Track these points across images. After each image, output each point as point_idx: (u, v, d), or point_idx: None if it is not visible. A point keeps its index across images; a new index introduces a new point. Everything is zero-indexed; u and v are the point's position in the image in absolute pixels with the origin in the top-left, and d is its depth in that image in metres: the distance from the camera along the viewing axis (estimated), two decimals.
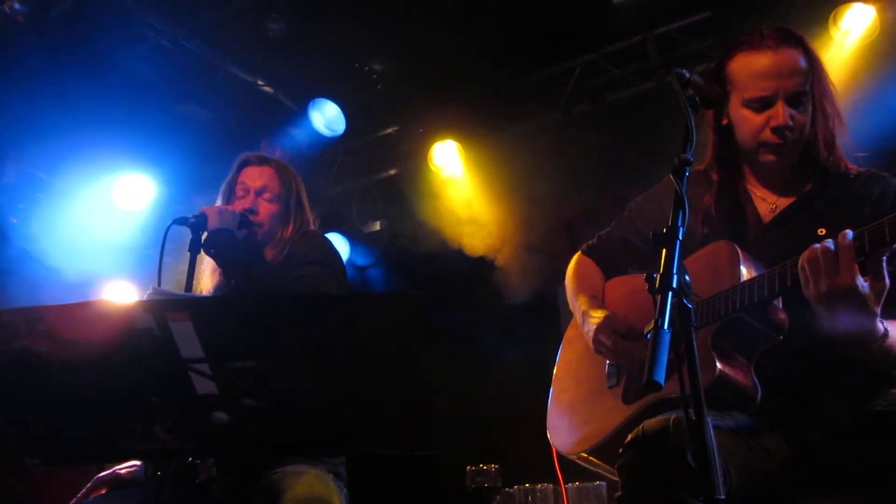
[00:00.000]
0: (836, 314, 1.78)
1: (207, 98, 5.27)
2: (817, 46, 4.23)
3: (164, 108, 5.21)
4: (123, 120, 5.02)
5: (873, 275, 1.75)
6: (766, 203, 2.15)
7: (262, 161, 2.91)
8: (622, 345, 2.17)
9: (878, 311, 1.77)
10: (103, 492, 2.36)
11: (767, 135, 2.05)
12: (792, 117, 2.02)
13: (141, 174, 5.48)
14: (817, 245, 1.78)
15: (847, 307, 1.76)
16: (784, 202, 2.13)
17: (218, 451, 1.93)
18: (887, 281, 1.75)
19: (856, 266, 1.74)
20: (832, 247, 1.76)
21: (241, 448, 1.89)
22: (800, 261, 1.81)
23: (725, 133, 2.16)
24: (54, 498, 2.27)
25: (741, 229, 2.13)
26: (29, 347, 1.65)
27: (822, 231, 2.01)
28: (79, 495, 2.42)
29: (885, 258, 1.75)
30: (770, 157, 2.08)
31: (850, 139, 2.18)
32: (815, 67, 2.08)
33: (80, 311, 1.68)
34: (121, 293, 5.58)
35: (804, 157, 2.14)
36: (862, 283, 1.74)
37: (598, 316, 2.25)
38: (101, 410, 1.73)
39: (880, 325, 1.78)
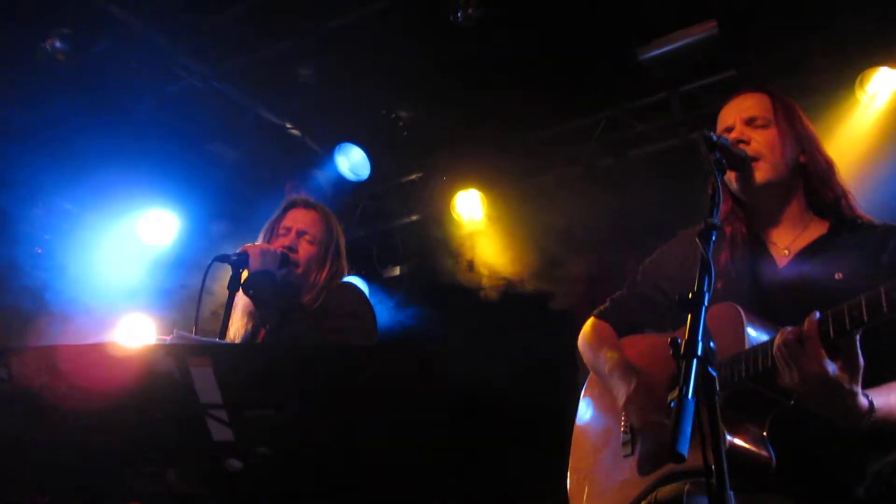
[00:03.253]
0: (814, 399, 1.78)
1: (236, 139, 5.36)
2: (843, 109, 4.29)
3: (193, 148, 5.29)
4: (152, 156, 5.11)
5: (845, 356, 1.74)
6: (780, 248, 2.16)
7: (309, 205, 2.98)
8: (649, 420, 2.14)
9: (858, 389, 1.75)
10: None
11: None
12: (750, 132, 2.17)
13: (166, 210, 5.55)
14: (788, 330, 1.78)
15: (821, 392, 1.75)
16: (798, 246, 2.13)
17: (230, 499, 1.91)
18: (861, 360, 1.74)
19: (822, 352, 1.73)
20: (793, 335, 1.77)
21: (252, 496, 1.88)
22: (773, 348, 1.81)
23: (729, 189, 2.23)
24: None
25: (757, 279, 2.12)
26: (49, 385, 1.65)
27: (839, 276, 2.00)
28: None
29: (858, 337, 1.74)
30: (751, 174, 2.12)
31: (860, 194, 2.23)
32: (782, 106, 2.24)
33: (102, 352, 1.69)
34: (140, 327, 5.60)
35: (812, 201, 2.18)
36: (832, 369, 1.73)
37: (626, 386, 2.22)
38: (115, 452, 1.72)
39: (863, 402, 1.76)
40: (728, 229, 2.19)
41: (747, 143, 2.16)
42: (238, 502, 2.01)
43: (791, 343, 1.77)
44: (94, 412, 1.67)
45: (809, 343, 1.74)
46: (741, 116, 2.22)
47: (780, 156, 2.16)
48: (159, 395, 1.63)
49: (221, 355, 1.63)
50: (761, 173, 2.14)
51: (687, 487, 1.70)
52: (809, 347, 1.74)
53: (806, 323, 1.77)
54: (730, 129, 2.22)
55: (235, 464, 1.68)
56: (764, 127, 2.19)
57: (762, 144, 2.16)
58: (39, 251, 5.59)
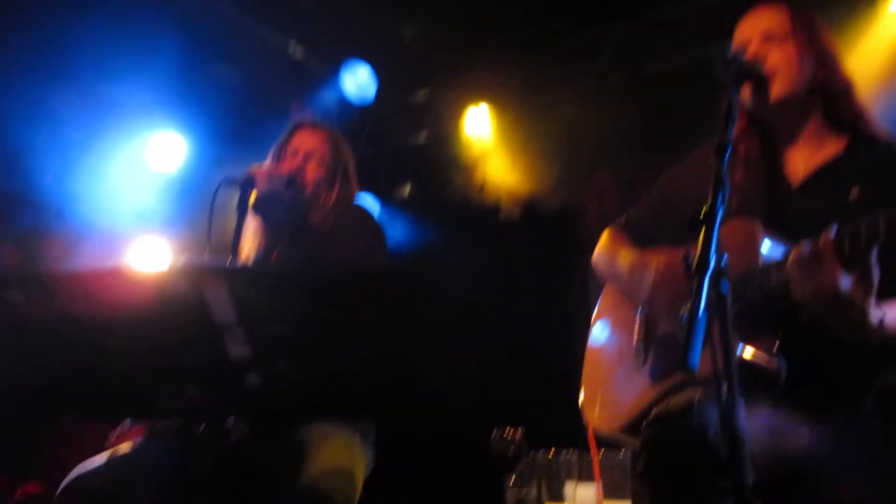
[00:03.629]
0: (826, 314, 1.79)
1: (239, 60, 5.27)
2: (865, 23, 4.16)
3: (197, 69, 5.22)
4: (155, 79, 5.04)
5: (860, 272, 1.74)
6: (796, 166, 2.13)
7: (316, 126, 2.94)
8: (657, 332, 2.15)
9: (871, 304, 1.76)
10: (139, 437, 2.42)
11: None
12: (767, 48, 2.11)
13: (173, 134, 5.52)
14: (805, 246, 1.78)
15: (834, 307, 1.76)
16: (813, 164, 2.11)
17: (250, 412, 1.97)
18: (875, 276, 1.74)
19: (837, 267, 1.73)
20: (808, 251, 1.76)
21: (271, 409, 1.93)
22: (787, 263, 1.81)
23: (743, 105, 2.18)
24: (87, 454, 2.34)
25: (772, 197, 2.11)
26: (68, 308, 1.68)
27: (854, 195, 1.99)
28: (116, 432, 2.47)
29: (873, 253, 1.73)
30: (767, 89, 2.08)
31: (879, 111, 2.19)
32: (801, 20, 2.16)
33: (116, 276, 1.71)
34: (153, 249, 5.65)
35: (830, 119, 2.14)
36: (846, 284, 1.73)
37: (656, 263, 2.22)
38: (135, 370, 1.77)
39: (874, 317, 1.77)
40: (742, 147, 2.16)
41: (765, 58, 2.10)
42: (259, 416, 2.07)
43: (806, 258, 1.77)
44: (110, 334, 1.71)
45: (824, 258, 1.74)
46: (758, 31, 2.15)
47: (798, 72, 2.10)
48: (175, 317, 1.66)
49: (234, 276, 1.65)
50: (778, 89, 2.09)
51: (698, 396, 1.73)
52: (824, 263, 1.74)
53: (822, 238, 1.76)
54: (746, 44, 2.15)
55: (254, 379, 1.73)
56: (782, 42, 2.12)
57: (780, 61, 2.10)
58: (49, 178, 5.59)
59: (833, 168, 2.08)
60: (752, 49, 2.13)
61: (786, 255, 1.86)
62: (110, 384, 1.80)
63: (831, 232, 1.75)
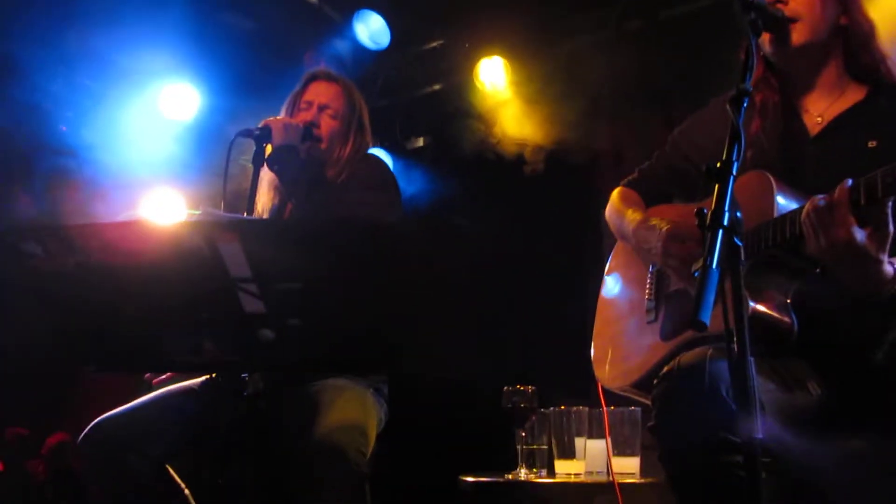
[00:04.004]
0: (840, 267, 1.77)
1: (251, 7, 5.20)
2: None
3: (208, 18, 5.16)
4: (166, 28, 4.99)
5: (875, 224, 1.71)
6: (813, 115, 2.09)
7: (330, 78, 2.92)
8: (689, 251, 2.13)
9: (885, 257, 1.74)
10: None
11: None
12: None
13: (186, 84, 5.49)
14: (819, 197, 1.75)
15: (848, 260, 1.74)
16: (832, 113, 2.07)
17: (264, 366, 2.00)
18: (891, 229, 1.71)
19: (851, 219, 1.70)
20: (823, 202, 1.74)
21: (286, 364, 1.96)
22: (801, 215, 1.78)
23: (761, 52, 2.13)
24: (109, 406, 2.39)
25: (789, 148, 2.07)
26: (84, 262, 1.70)
27: (872, 143, 1.96)
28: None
29: (889, 205, 1.70)
30: (788, 35, 2.02)
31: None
32: None
33: (132, 229, 1.73)
34: (168, 200, 5.67)
35: (850, 66, 2.09)
36: (860, 236, 1.70)
37: (662, 225, 2.19)
38: (152, 323, 1.80)
39: (888, 269, 1.75)
40: (759, 97, 2.12)
41: (785, 2, 2.05)
42: (272, 370, 2.10)
43: (820, 210, 1.74)
44: (126, 287, 1.73)
45: (839, 210, 1.72)
46: None
47: (820, 16, 2.05)
48: (190, 271, 1.68)
49: (249, 231, 1.66)
50: (798, 35, 2.04)
51: (710, 352, 1.73)
52: (838, 214, 1.72)
53: (837, 190, 1.73)
54: None
55: (268, 334, 1.75)
56: None
57: (801, 4, 2.04)
58: (64, 129, 5.59)
59: (852, 116, 2.04)
60: None
61: (800, 207, 1.84)
62: (127, 337, 1.83)
63: (846, 183, 1.73)
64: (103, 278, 1.72)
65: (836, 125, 2.05)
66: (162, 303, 1.75)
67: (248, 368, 1.89)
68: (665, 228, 2.17)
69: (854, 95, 2.08)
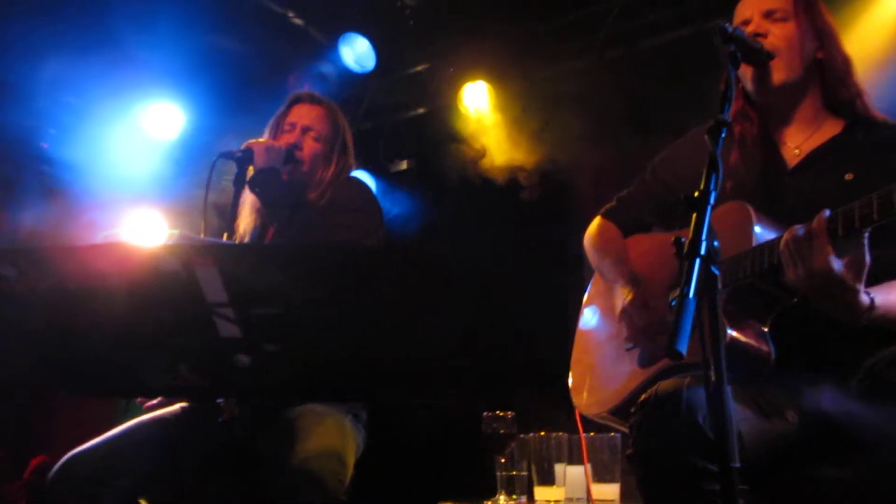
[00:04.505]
0: (817, 296, 1.79)
1: (237, 29, 5.21)
2: (865, 2, 4.11)
3: (194, 38, 5.16)
4: (152, 47, 4.99)
5: (852, 254, 1.74)
6: (791, 148, 2.12)
7: (314, 100, 2.92)
8: (646, 321, 2.17)
9: (861, 286, 1.76)
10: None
11: None
12: (768, 26, 2.09)
13: (170, 103, 5.47)
14: (798, 227, 1.78)
15: (826, 289, 1.76)
16: (809, 146, 2.10)
17: (240, 392, 1.97)
18: (867, 259, 1.73)
19: (829, 249, 1.73)
20: (802, 232, 1.76)
21: (262, 390, 1.94)
22: (780, 244, 1.80)
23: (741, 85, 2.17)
24: (80, 438, 2.35)
25: (767, 179, 2.10)
26: (58, 284, 1.68)
27: (849, 176, 1.98)
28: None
29: (866, 235, 1.73)
30: (768, 74, 2.06)
31: (878, 90, 2.19)
32: (804, 1, 2.13)
33: (109, 252, 1.70)
34: (148, 221, 5.64)
35: (828, 100, 2.13)
36: (838, 266, 1.73)
37: (627, 292, 2.24)
38: (126, 347, 1.77)
39: (864, 299, 1.77)
40: (738, 128, 2.15)
41: (765, 36, 2.08)
42: (248, 396, 2.08)
43: (799, 239, 1.77)
44: (101, 311, 1.70)
45: (817, 240, 1.74)
46: (760, 9, 2.13)
47: (798, 51, 2.09)
48: (166, 295, 1.65)
49: (226, 256, 1.64)
50: (778, 73, 2.08)
51: (687, 381, 1.74)
52: (816, 244, 1.74)
53: (815, 220, 1.76)
54: (747, 22, 2.13)
55: (244, 360, 1.73)
56: (783, 20, 2.11)
57: (780, 39, 2.08)
58: (45, 146, 5.56)
59: (830, 150, 2.07)
60: (752, 27, 2.11)
61: (779, 237, 1.86)
62: (100, 361, 1.79)
63: (825, 213, 1.75)
64: (77, 301, 1.70)
65: (814, 158, 2.08)
66: (137, 327, 1.73)
67: (223, 394, 1.86)
68: (629, 298, 2.21)
69: (831, 129, 2.12)
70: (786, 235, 1.80)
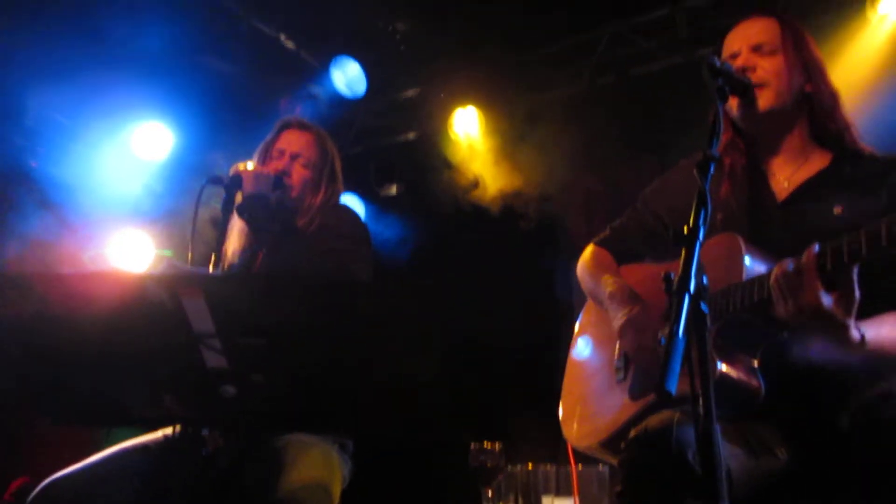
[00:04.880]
0: (807, 331, 1.79)
1: (229, 51, 5.22)
2: (853, 30, 4.18)
3: (186, 59, 5.16)
4: (144, 68, 4.99)
5: (842, 289, 1.74)
6: (780, 180, 2.13)
7: (303, 127, 2.92)
8: (644, 347, 2.16)
9: (851, 322, 1.76)
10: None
11: None
12: (756, 59, 2.12)
13: (160, 123, 5.46)
14: (787, 262, 1.78)
15: (815, 324, 1.76)
16: (798, 179, 2.11)
17: (225, 423, 1.95)
18: (857, 294, 1.74)
19: (818, 284, 1.73)
20: (792, 267, 1.76)
21: (247, 420, 1.91)
22: (770, 279, 1.81)
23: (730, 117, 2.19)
24: (63, 460, 2.31)
25: (757, 212, 2.10)
26: (43, 311, 1.66)
27: (837, 210, 1.99)
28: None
29: (855, 270, 1.73)
30: (754, 101, 2.08)
31: (866, 120, 2.21)
32: (791, 33, 2.16)
33: (95, 280, 1.69)
34: (136, 243, 5.60)
35: (815, 133, 2.14)
36: (827, 301, 1.73)
37: (625, 310, 2.23)
38: (111, 376, 1.75)
39: (855, 334, 1.77)
40: (727, 160, 2.16)
41: (753, 69, 2.10)
42: (234, 426, 2.06)
43: (789, 274, 1.77)
44: (89, 337, 1.69)
45: (806, 275, 1.74)
46: (748, 43, 2.15)
47: (786, 84, 2.11)
48: (152, 324, 1.64)
49: (213, 285, 1.63)
50: (765, 100, 2.09)
51: (676, 417, 1.73)
52: (806, 279, 1.74)
53: (804, 255, 1.76)
54: (735, 56, 2.15)
55: (230, 390, 1.71)
56: (771, 54, 2.12)
57: (768, 72, 2.10)
58: (34, 164, 5.53)
59: (818, 183, 2.08)
60: (740, 59, 2.12)
61: (769, 271, 1.85)
62: (84, 389, 1.77)
63: (814, 248, 1.75)
64: (62, 328, 1.68)
65: (803, 191, 2.09)
66: (121, 355, 1.71)
67: (208, 424, 1.84)
68: (623, 320, 2.21)
69: (819, 161, 2.13)
70: (775, 270, 1.80)
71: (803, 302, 1.74)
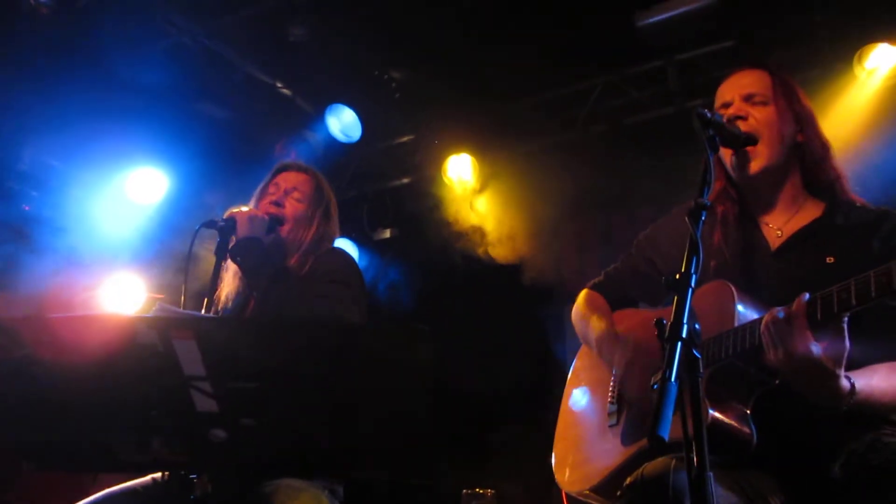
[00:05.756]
0: (797, 379, 1.79)
1: (225, 98, 5.28)
2: (841, 84, 4.26)
3: (182, 106, 5.22)
4: (140, 114, 5.03)
5: (831, 339, 1.75)
6: (773, 229, 2.15)
7: (300, 168, 2.96)
8: (630, 395, 2.16)
9: (841, 371, 1.76)
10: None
11: None
12: (747, 109, 2.14)
13: (154, 168, 5.49)
14: (778, 310, 1.79)
15: (805, 372, 1.76)
16: (791, 228, 2.12)
17: (214, 467, 1.92)
18: (847, 344, 1.74)
19: (808, 333, 1.74)
20: (782, 315, 1.77)
21: (237, 465, 1.89)
22: (760, 326, 1.81)
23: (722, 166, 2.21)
24: (51, 500, 2.27)
25: (750, 260, 2.12)
26: (31, 356, 1.65)
27: (830, 259, 2.01)
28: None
29: (846, 320, 1.74)
30: (748, 160, 2.10)
31: (856, 170, 2.23)
32: (782, 85, 2.20)
33: (86, 323, 1.68)
34: (128, 286, 5.59)
35: (808, 182, 2.17)
36: (817, 350, 1.73)
37: (620, 353, 2.24)
38: (99, 420, 1.73)
39: (845, 384, 1.77)
40: (720, 208, 2.18)
41: (745, 118, 2.13)
42: (223, 472, 2.03)
43: (779, 322, 1.77)
44: (76, 382, 1.67)
45: (797, 323, 1.75)
46: (740, 93, 2.18)
47: (777, 134, 2.13)
48: (143, 367, 1.62)
49: (204, 329, 1.62)
50: (759, 161, 2.11)
51: (673, 463, 1.71)
52: (796, 328, 1.75)
53: (794, 304, 1.77)
54: (727, 105, 2.18)
55: (220, 434, 1.69)
56: (762, 104, 2.16)
57: (760, 122, 2.13)
58: (27, 208, 5.53)
59: (811, 232, 2.10)
60: (732, 108, 2.15)
61: (760, 318, 1.86)
62: (71, 434, 1.75)
63: (804, 297, 1.76)
64: (50, 372, 1.66)
65: (796, 240, 2.10)
66: (110, 399, 1.69)
67: (197, 469, 1.81)
68: (630, 344, 2.21)
69: (812, 211, 2.14)
70: (766, 317, 1.81)
71: (793, 350, 1.75)
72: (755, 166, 2.11)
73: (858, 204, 2.14)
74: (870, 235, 2.03)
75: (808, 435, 1.92)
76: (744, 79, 2.22)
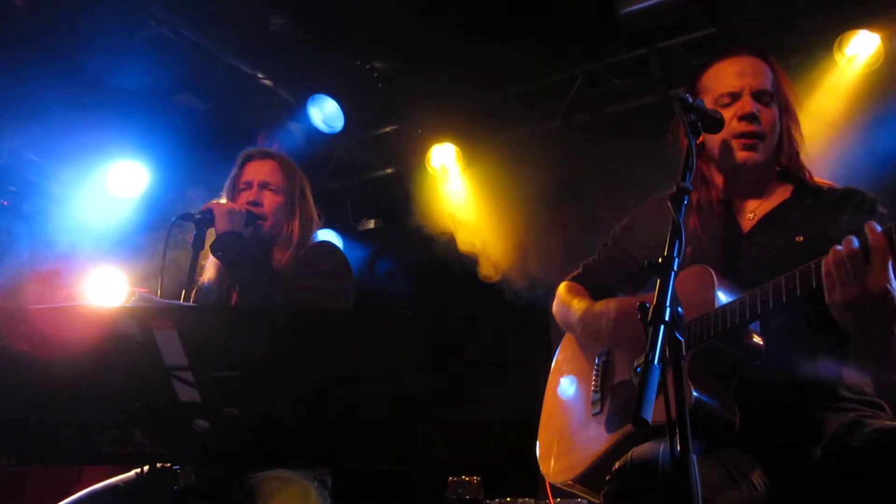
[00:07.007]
0: (863, 320, 1.71)
1: (206, 89, 5.23)
2: (821, 71, 4.28)
3: (162, 97, 5.17)
4: (120, 106, 4.98)
5: None
6: (746, 213, 2.17)
7: (265, 155, 2.91)
8: (613, 382, 2.16)
9: None
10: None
11: (737, 126, 2.11)
12: (758, 109, 2.12)
13: (135, 161, 5.44)
14: (839, 247, 1.70)
15: (876, 312, 1.69)
16: (762, 210, 2.15)
17: (198, 458, 1.91)
18: None
19: (889, 267, 1.66)
20: (857, 245, 1.67)
21: (221, 455, 1.87)
22: (824, 265, 1.73)
23: (701, 151, 2.20)
24: (35, 498, 2.25)
25: (724, 243, 2.14)
26: (10, 348, 1.63)
27: (799, 238, 2.03)
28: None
29: None
30: (745, 154, 2.11)
31: (833, 155, 2.25)
32: (779, 78, 2.19)
33: (65, 315, 1.66)
34: (110, 280, 5.54)
35: (781, 170, 2.19)
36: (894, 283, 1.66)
37: (610, 306, 2.23)
38: (80, 413, 1.71)
39: None
40: (695, 195, 2.19)
41: (760, 122, 2.11)
42: (206, 462, 2.01)
43: (852, 257, 1.68)
44: (57, 374, 1.65)
45: (877, 255, 1.66)
46: (750, 86, 2.14)
47: (777, 134, 2.17)
48: (123, 358, 1.61)
49: (186, 318, 1.61)
50: (756, 156, 2.12)
51: (662, 447, 1.72)
52: (877, 261, 1.66)
53: (870, 237, 1.67)
54: (735, 95, 2.14)
55: (203, 424, 1.68)
56: (769, 104, 2.15)
57: (767, 122, 2.14)
58: (5, 203, 5.47)
59: (780, 213, 2.13)
60: (747, 105, 2.12)
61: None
62: (51, 426, 1.73)
63: (877, 228, 1.67)
64: (28, 364, 1.65)
65: (767, 222, 2.13)
66: (91, 390, 1.67)
67: (180, 460, 1.80)
68: (613, 309, 2.22)
69: (781, 194, 2.19)
70: (829, 257, 1.71)
71: (871, 286, 1.66)
72: (751, 161, 2.12)
73: (824, 185, 2.18)
74: (837, 212, 2.06)
75: (788, 417, 1.94)
76: (748, 66, 2.18)
